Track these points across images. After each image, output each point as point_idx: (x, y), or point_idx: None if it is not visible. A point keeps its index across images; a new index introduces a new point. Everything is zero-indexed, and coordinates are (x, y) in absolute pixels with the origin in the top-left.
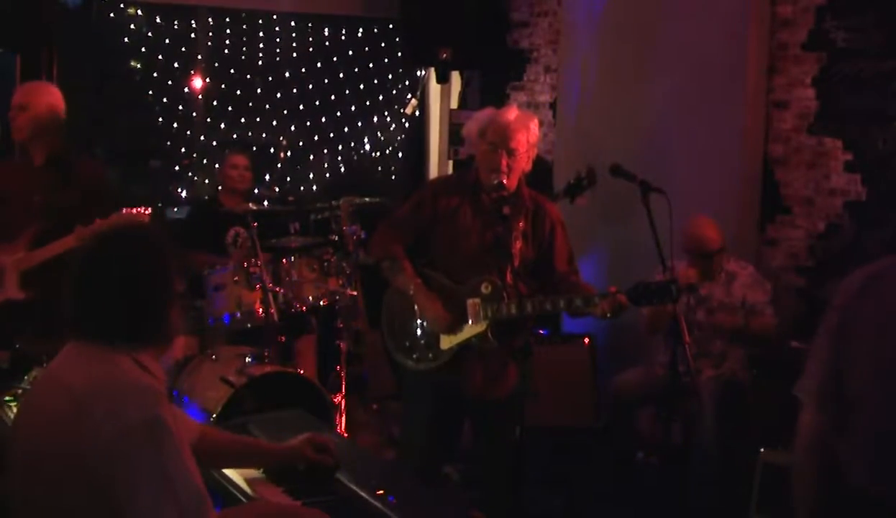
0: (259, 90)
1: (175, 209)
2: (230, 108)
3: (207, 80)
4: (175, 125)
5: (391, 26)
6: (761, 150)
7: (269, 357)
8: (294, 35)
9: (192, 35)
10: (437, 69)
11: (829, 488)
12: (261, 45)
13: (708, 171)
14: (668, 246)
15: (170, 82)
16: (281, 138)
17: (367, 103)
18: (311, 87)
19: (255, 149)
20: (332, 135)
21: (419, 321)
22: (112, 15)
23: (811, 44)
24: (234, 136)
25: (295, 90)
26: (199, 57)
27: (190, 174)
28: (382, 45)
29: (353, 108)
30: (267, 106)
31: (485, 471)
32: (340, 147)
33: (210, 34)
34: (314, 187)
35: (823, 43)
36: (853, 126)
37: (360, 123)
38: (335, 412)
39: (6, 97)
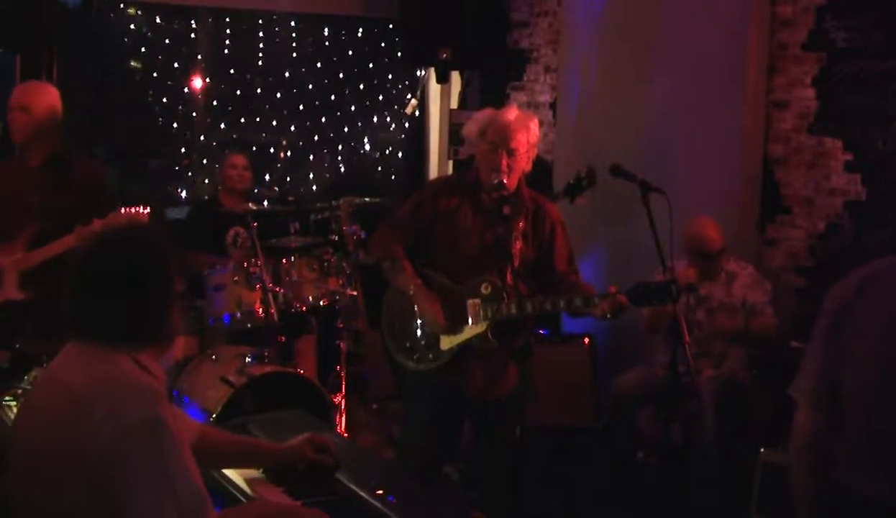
0: (259, 90)
1: (175, 209)
2: (230, 109)
3: (207, 80)
4: (175, 125)
5: (391, 26)
6: (761, 150)
7: (269, 357)
8: (294, 35)
9: (192, 35)
10: (437, 69)
11: (825, 487)
12: (261, 45)
13: (708, 171)
14: (668, 246)
15: (170, 82)
16: (281, 138)
17: (367, 103)
18: (311, 87)
19: (255, 149)
20: (332, 135)
21: (419, 322)
22: (112, 15)
23: (811, 44)
24: (234, 136)
25: (295, 90)
26: (199, 57)
27: (190, 174)
28: (382, 45)
29: (353, 108)
30: (267, 106)
31: (485, 471)
32: (340, 147)
33: (210, 34)
34: (314, 187)
35: (823, 43)
36: (853, 126)
37: (360, 123)
38: (335, 412)
39: (6, 97)
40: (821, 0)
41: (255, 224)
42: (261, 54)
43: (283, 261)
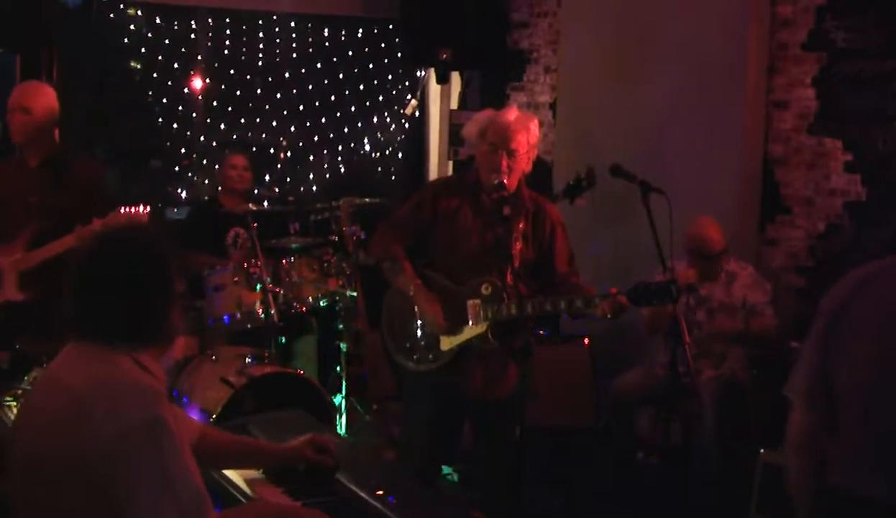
0: (259, 90)
1: (175, 209)
2: (230, 109)
3: (207, 80)
4: (175, 125)
5: (391, 26)
6: (761, 150)
7: (269, 357)
8: (294, 35)
9: (192, 35)
10: (436, 69)
11: (822, 487)
12: (261, 46)
13: (708, 171)
14: (668, 246)
15: (170, 82)
16: (281, 139)
17: (367, 103)
18: (311, 87)
19: (255, 149)
20: (332, 135)
21: (419, 322)
22: (112, 15)
23: (811, 44)
24: (234, 136)
25: (295, 90)
26: (199, 57)
27: (190, 174)
28: (382, 45)
29: (353, 108)
30: (267, 106)
31: (485, 471)
32: (340, 147)
33: (210, 34)
34: (314, 188)
35: (823, 43)
36: (853, 126)
37: (360, 124)
38: (335, 413)
39: (6, 97)
40: (821, 0)
41: (255, 224)
42: (261, 54)
43: (283, 261)
